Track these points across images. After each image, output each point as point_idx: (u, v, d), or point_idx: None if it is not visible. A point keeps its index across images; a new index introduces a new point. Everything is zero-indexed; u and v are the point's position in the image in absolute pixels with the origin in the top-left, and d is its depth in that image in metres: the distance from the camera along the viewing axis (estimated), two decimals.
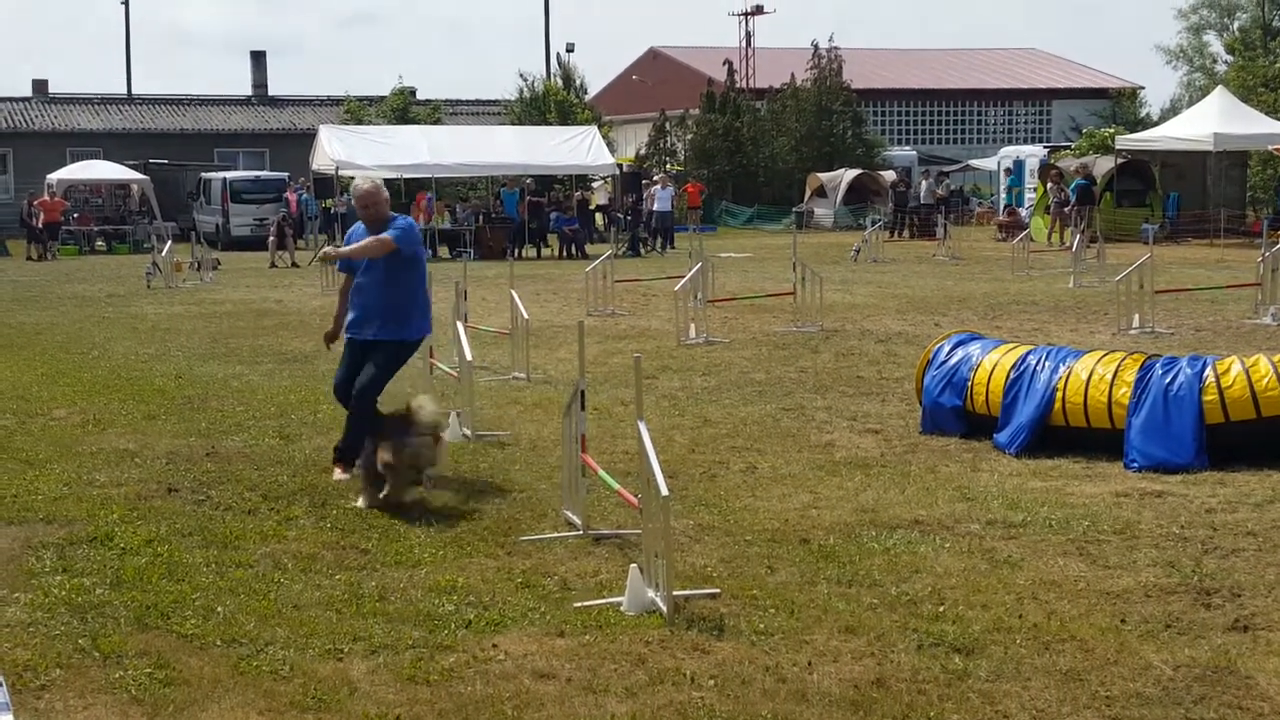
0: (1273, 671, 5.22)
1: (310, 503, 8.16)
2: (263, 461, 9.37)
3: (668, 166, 48.80)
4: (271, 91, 57.80)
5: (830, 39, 52.46)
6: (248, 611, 6.11)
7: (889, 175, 45.26)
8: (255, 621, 5.98)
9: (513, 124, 45.29)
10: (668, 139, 53.39)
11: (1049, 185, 34.79)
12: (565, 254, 33.54)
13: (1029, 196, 38.76)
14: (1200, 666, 5.30)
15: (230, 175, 42.69)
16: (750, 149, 50.77)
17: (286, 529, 7.58)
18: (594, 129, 38.89)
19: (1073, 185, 33.14)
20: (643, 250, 34.26)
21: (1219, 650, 5.46)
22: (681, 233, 36.50)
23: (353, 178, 37.93)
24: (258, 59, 58.46)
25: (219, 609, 6.15)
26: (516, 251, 32.75)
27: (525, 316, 12.92)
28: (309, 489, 8.50)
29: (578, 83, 52.47)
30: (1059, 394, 9.16)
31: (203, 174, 43.54)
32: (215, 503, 8.20)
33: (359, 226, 8.86)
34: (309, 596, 6.34)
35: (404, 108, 49.05)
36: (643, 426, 6.25)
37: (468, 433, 9.99)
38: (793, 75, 51.99)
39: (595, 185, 42.50)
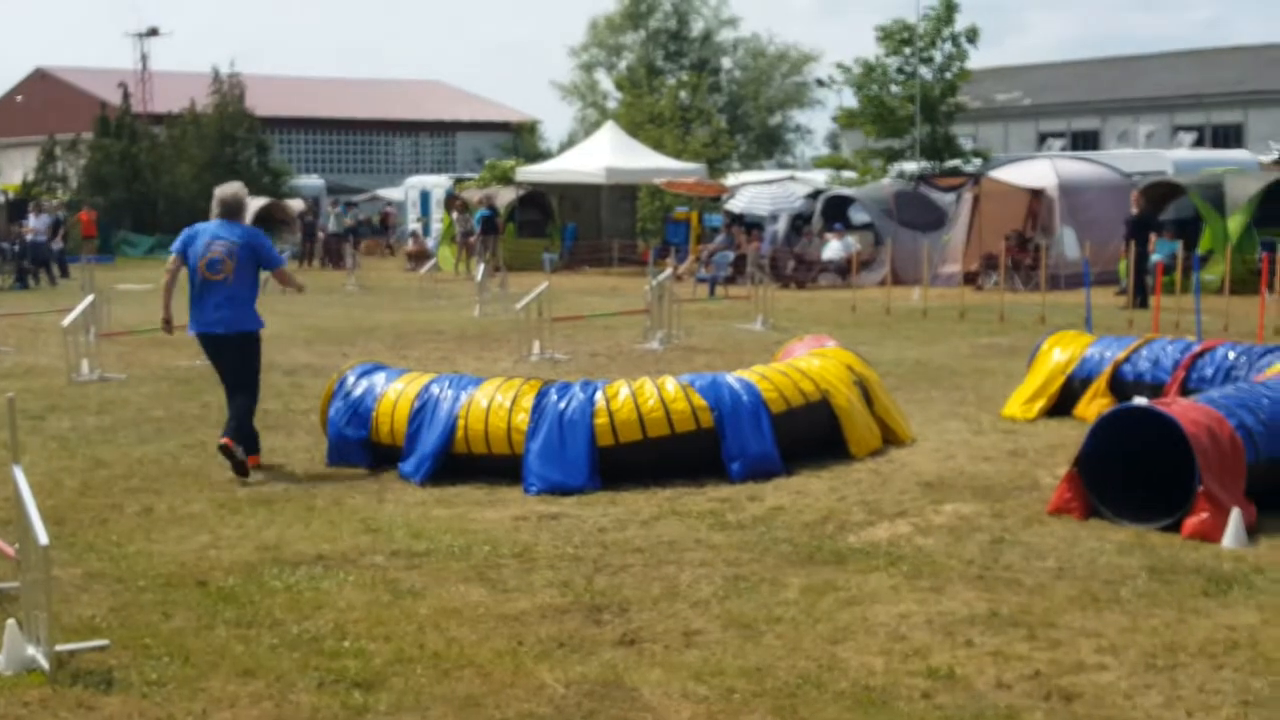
0: (655, 682, 5.53)
1: None
2: None
3: (60, 194, 45.66)
4: None
5: (232, 64, 51.21)
6: None
7: (297, 204, 44.75)
8: None
9: None
10: (58, 165, 50.01)
11: (454, 215, 35.66)
12: None
13: (435, 227, 39.57)
14: (590, 682, 5.53)
15: None
16: (150, 176, 48.49)
17: None
18: None
19: (477, 216, 34.14)
20: (31, 283, 31.85)
21: (607, 665, 5.73)
22: (74, 263, 34.23)
23: None
24: None
25: None
26: None
27: None
28: None
29: None
30: (461, 422, 9.33)
31: None
32: None
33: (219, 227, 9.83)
34: None
35: None
36: (18, 471, 5.80)
37: None
38: (193, 101, 50.20)
39: None
